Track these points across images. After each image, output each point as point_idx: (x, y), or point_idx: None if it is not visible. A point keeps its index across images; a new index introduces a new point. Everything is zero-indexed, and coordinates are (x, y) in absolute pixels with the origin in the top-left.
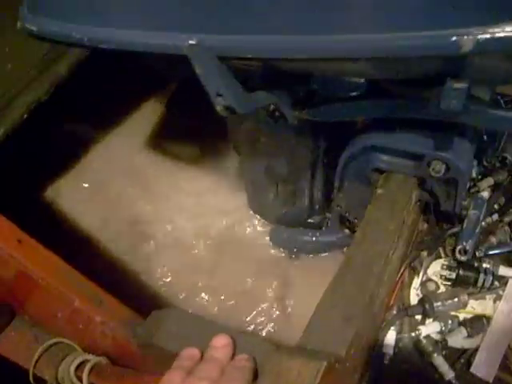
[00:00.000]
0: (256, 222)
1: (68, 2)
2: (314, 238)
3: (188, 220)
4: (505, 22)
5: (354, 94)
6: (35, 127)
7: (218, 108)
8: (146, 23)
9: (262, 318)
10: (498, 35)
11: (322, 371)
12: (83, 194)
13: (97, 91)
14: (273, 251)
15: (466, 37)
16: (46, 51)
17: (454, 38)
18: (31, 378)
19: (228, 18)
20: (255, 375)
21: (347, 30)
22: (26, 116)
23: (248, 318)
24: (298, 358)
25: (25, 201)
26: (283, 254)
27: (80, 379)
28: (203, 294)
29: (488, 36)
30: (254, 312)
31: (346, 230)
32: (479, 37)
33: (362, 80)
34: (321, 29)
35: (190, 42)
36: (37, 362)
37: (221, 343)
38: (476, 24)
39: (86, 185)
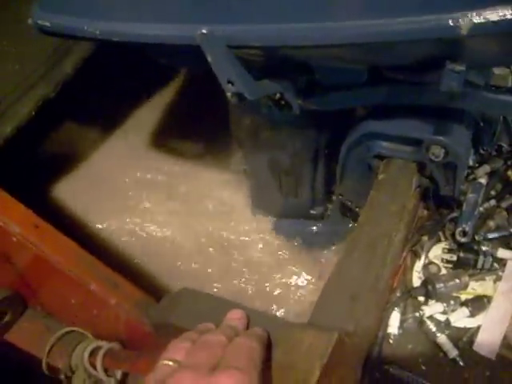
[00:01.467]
0: (259, 217)
1: None
2: (316, 229)
3: (191, 216)
4: (499, 4)
5: (355, 81)
6: (43, 124)
7: (229, 95)
8: (159, 15)
9: (269, 307)
10: (492, 18)
11: (333, 342)
12: (87, 189)
13: (99, 89)
14: (276, 243)
15: (463, 20)
16: (52, 50)
17: (451, 22)
18: (45, 368)
19: (237, 8)
20: (269, 346)
21: (349, 17)
22: (34, 113)
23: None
24: (310, 330)
25: (31, 196)
26: (287, 246)
27: (94, 366)
28: (208, 285)
29: (484, 19)
30: (259, 299)
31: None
32: (476, 19)
33: (363, 67)
34: (325, 16)
35: (202, 31)
36: (50, 351)
37: (236, 316)
38: (472, 7)
39: (90, 180)
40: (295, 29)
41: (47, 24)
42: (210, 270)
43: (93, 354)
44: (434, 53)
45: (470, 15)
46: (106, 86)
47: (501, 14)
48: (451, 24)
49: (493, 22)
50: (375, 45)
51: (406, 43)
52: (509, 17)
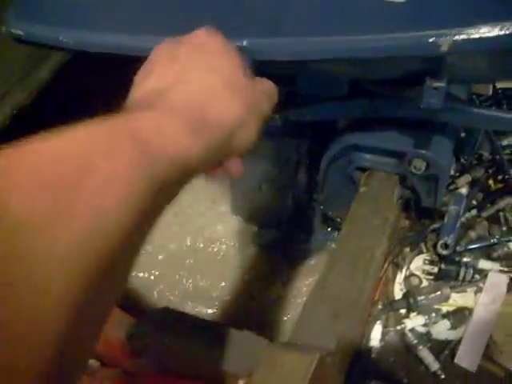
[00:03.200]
0: (239, 225)
1: (56, 7)
2: (298, 238)
3: (169, 227)
4: (479, 23)
5: (336, 94)
6: (18, 133)
7: None
8: (152, 27)
9: (251, 318)
10: (472, 36)
11: (314, 364)
12: None
13: (78, 94)
14: (257, 253)
15: (443, 38)
16: (27, 56)
17: (432, 39)
18: None
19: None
20: None
21: (332, 32)
22: (8, 122)
23: (237, 317)
24: (291, 352)
25: None
26: (267, 255)
27: None
28: (192, 297)
29: (464, 37)
30: (243, 311)
31: (329, 229)
32: (456, 38)
33: (344, 80)
34: (308, 31)
35: None
36: None
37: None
38: (453, 25)
39: None
40: (278, 43)
41: (21, 33)
42: (189, 274)
43: None
44: (415, 69)
45: (450, 33)
46: (85, 90)
47: (481, 31)
48: (432, 41)
49: (473, 39)
50: (357, 60)
51: (387, 59)
52: (489, 35)
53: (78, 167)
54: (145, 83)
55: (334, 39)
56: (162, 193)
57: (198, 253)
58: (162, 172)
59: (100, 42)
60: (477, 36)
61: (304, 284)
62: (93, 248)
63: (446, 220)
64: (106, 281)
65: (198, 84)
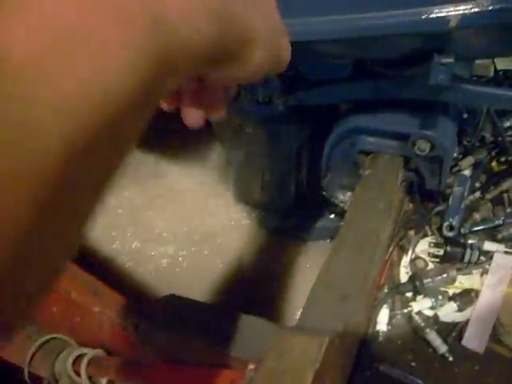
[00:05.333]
0: (242, 212)
1: None
2: (300, 224)
3: (175, 215)
4: None
5: (339, 76)
6: None
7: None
8: None
9: (255, 301)
10: (480, 10)
11: (324, 346)
12: None
13: None
14: (260, 238)
15: (452, 12)
16: None
17: (440, 14)
18: (26, 377)
19: None
20: None
21: (337, 11)
22: None
23: (242, 301)
24: (301, 335)
25: None
26: (271, 241)
27: (78, 373)
28: (196, 281)
29: (472, 11)
30: (249, 295)
31: (333, 215)
32: (464, 12)
33: (348, 62)
34: (311, 11)
35: None
36: (31, 359)
37: None
38: (460, 0)
39: None
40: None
41: None
42: (193, 260)
43: (76, 361)
44: (422, 46)
45: (459, 7)
46: None
47: (487, 5)
48: (440, 16)
49: (481, 13)
50: (363, 39)
51: (395, 36)
52: (496, 7)
53: (88, 20)
54: None
55: (339, 18)
56: (162, 81)
57: (200, 240)
58: (175, 50)
59: None
60: (484, 9)
61: (309, 269)
62: (90, 104)
63: (450, 201)
64: (101, 148)
65: None
